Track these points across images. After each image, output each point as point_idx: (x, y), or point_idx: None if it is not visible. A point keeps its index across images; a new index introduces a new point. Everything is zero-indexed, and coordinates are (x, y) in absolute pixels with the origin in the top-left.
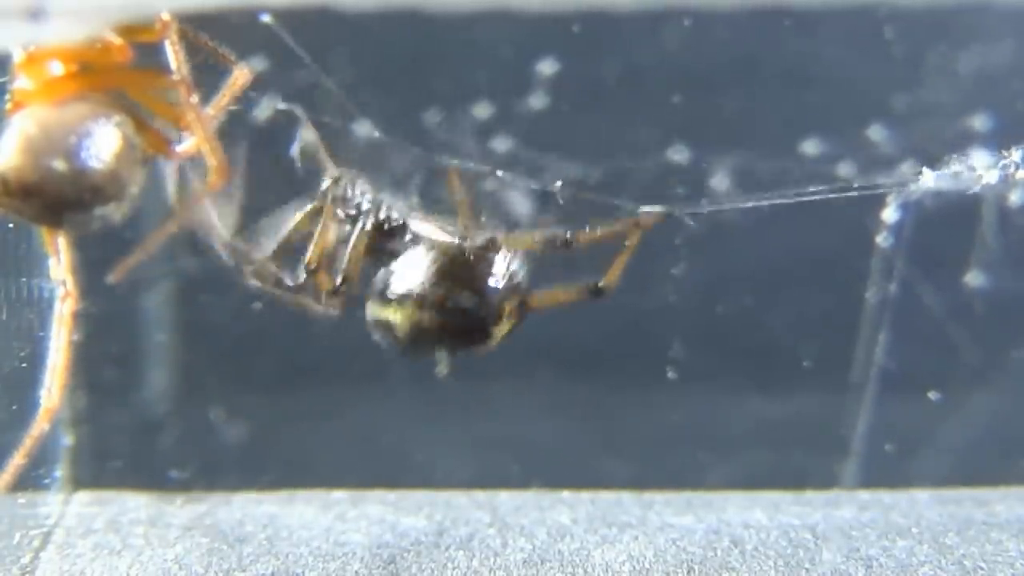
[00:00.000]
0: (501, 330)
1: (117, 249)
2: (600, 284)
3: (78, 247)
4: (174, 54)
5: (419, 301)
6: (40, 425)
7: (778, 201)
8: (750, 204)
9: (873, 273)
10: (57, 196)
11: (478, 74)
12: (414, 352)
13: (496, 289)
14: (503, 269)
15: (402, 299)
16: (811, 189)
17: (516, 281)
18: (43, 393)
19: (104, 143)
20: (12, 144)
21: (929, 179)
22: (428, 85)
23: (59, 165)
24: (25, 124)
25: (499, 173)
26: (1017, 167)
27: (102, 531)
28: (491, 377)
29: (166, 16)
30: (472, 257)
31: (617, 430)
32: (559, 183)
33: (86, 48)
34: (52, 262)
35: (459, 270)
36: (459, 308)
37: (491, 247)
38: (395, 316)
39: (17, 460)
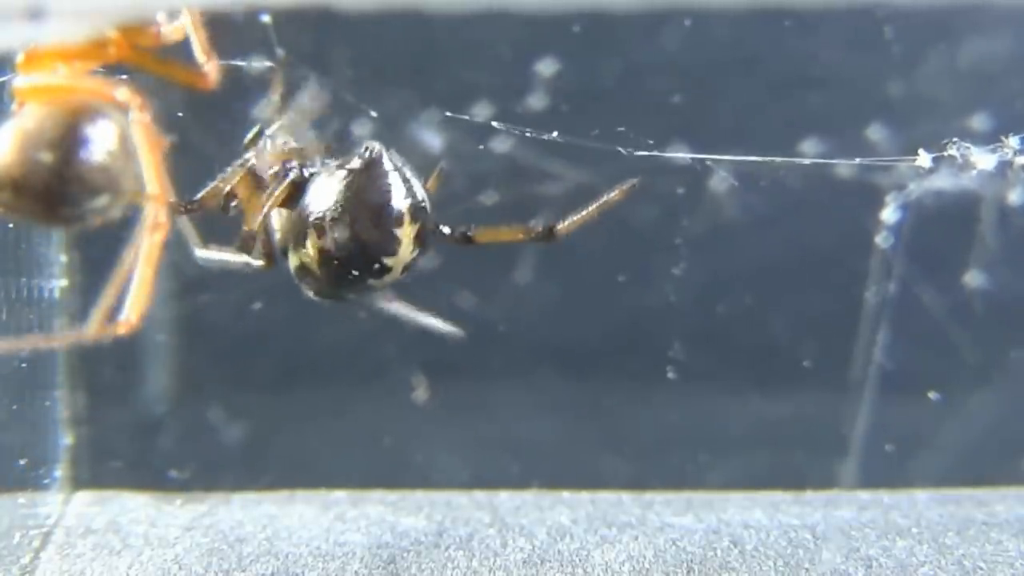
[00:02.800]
0: (402, 256)
1: (116, 249)
2: (556, 227)
3: (78, 247)
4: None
5: (317, 232)
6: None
7: (763, 160)
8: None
9: (873, 273)
10: (49, 192)
11: (478, 74)
12: (335, 292)
13: (388, 209)
14: (393, 190)
15: (302, 236)
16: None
17: (410, 204)
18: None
19: (98, 140)
20: (5, 141)
21: (925, 161)
22: (428, 85)
23: (51, 161)
24: (19, 122)
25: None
26: (1015, 153)
27: (102, 531)
28: (491, 377)
29: (163, 19)
30: (357, 179)
31: (617, 430)
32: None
33: (85, 46)
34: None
35: (345, 195)
36: (349, 234)
37: (375, 167)
38: (305, 256)
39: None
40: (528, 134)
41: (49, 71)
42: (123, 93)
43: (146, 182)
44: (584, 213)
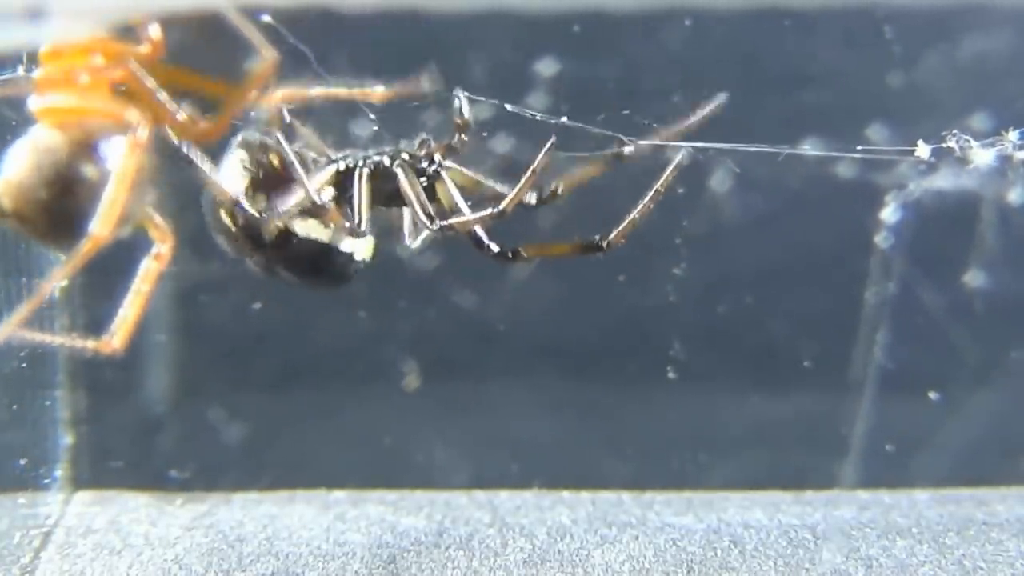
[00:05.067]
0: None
1: (114, 248)
2: (608, 238)
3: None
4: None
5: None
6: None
7: (769, 149)
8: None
9: (873, 273)
10: (54, 220)
11: (477, 74)
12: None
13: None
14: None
15: None
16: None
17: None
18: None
19: (103, 168)
20: (13, 164)
21: (924, 152)
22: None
23: (56, 192)
24: (28, 144)
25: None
26: (1015, 148)
27: (102, 531)
28: (491, 377)
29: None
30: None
31: (617, 430)
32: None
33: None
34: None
35: None
36: None
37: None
38: None
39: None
40: (539, 117)
41: (64, 88)
42: (133, 115)
43: (101, 213)
44: (632, 217)
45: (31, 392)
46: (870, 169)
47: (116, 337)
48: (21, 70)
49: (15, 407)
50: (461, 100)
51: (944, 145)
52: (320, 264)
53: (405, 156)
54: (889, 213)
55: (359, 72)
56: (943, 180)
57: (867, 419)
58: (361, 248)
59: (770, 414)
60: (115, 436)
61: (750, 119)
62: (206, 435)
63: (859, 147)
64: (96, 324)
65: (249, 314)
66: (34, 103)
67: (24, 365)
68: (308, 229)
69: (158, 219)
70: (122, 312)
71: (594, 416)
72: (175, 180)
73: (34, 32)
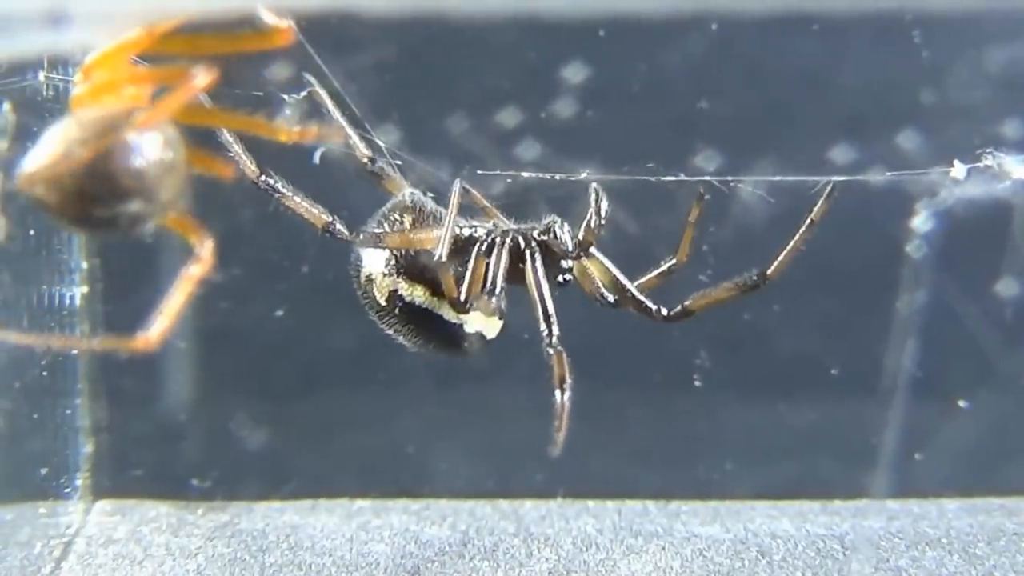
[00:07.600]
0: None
1: (134, 254)
2: (767, 273)
3: (99, 254)
4: None
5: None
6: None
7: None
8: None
9: (903, 281)
10: (78, 189)
11: (504, 80)
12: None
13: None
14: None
15: None
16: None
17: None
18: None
19: (137, 144)
20: (42, 144)
21: (960, 172)
22: (453, 92)
23: (82, 156)
24: (63, 121)
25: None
26: None
27: (123, 540)
28: (515, 385)
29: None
30: None
31: (643, 438)
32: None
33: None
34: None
35: None
36: None
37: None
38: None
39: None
40: (558, 177)
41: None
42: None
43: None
44: (790, 248)
45: (51, 401)
46: (901, 178)
47: (153, 332)
48: (42, 76)
49: (35, 416)
50: (598, 192)
51: (982, 164)
52: (443, 336)
53: (533, 239)
54: (920, 222)
55: (382, 79)
56: (975, 189)
57: (896, 428)
58: (489, 328)
59: (798, 423)
60: (136, 445)
61: (779, 125)
62: (227, 444)
63: (891, 155)
64: (112, 327)
65: (271, 321)
66: (72, 91)
67: (44, 374)
68: (439, 306)
69: (193, 223)
70: (161, 309)
71: (620, 425)
72: (198, 187)
73: (56, 37)
